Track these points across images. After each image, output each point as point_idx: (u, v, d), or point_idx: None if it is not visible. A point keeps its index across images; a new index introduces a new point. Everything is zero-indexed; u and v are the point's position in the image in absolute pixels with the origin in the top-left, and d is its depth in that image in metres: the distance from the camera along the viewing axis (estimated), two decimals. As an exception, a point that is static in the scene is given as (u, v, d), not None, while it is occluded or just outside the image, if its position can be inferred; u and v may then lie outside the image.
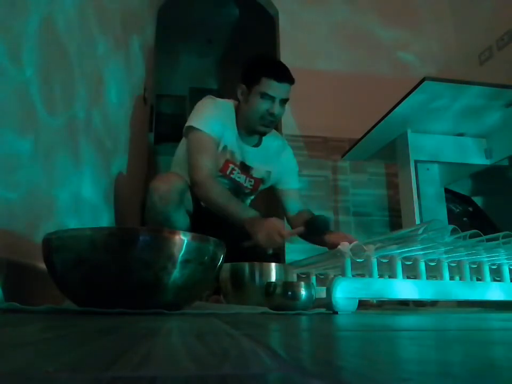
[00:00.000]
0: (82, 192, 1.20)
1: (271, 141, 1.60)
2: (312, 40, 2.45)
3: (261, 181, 1.60)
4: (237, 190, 1.56)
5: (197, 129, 1.42)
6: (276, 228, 1.25)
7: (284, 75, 1.43)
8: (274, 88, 1.42)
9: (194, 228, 1.38)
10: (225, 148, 1.49)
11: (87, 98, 1.23)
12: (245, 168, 1.55)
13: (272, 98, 1.42)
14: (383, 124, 1.58)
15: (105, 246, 0.67)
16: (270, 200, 1.92)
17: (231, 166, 1.50)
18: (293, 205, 1.62)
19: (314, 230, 1.29)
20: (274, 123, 1.49)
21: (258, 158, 1.55)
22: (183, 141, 1.53)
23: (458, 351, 0.29)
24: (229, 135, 1.49)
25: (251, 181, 1.58)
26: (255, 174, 1.57)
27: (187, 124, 1.45)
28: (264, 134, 1.52)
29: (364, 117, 1.80)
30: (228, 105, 1.53)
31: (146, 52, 2.19)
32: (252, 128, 1.49)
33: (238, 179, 1.54)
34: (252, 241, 1.27)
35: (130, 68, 1.82)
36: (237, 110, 1.51)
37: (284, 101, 1.45)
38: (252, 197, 1.67)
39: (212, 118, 1.45)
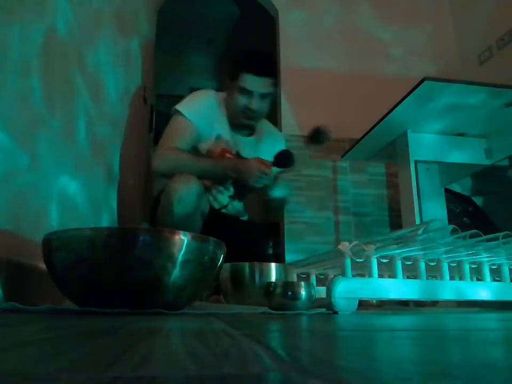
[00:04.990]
0: (83, 193, 1.20)
1: (263, 130, 1.59)
2: (312, 40, 2.45)
3: None
4: (226, 192, 1.56)
5: (179, 112, 1.42)
6: (259, 163, 1.32)
7: (261, 68, 1.40)
8: (252, 82, 1.39)
9: (204, 229, 1.36)
10: (218, 137, 1.48)
11: (87, 98, 1.23)
12: (241, 158, 1.53)
13: (250, 93, 1.40)
14: (383, 124, 1.58)
15: (105, 246, 0.67)
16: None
17: (228, 155, 1.50)
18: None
19: (281, 164, 1.40)
20: (258, 116, 1.48)
21: (252, 148, 1.54)
22: None
23: (458, 351, 0.29)
24: (221, 125, 1.49)
25: None
26: None
27: (175, 106, 1.45)
28: (249, 126, 1.51)
29: (363, 117, 1.79)
30: (219, 96, 1.53)
31: (146, 51, 2.18)
32: (237, 121, 1.49)
33: None
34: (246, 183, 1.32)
35: (130, 67, 1.82)
36: (226, 103, 1.52)
37: (264, 95, 1.42)
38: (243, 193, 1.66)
39: (198, 106, 1.45)
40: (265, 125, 1.62)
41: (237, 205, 1.61)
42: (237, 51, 1.53)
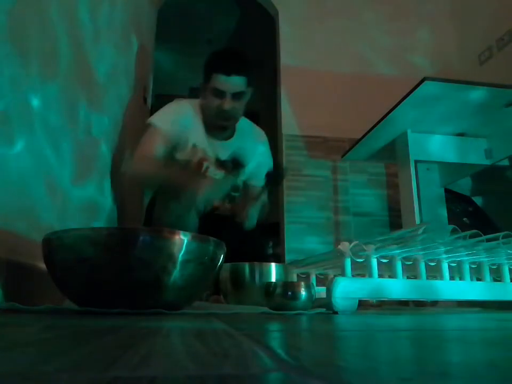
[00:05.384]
0: (82, 193, 1.20)
1: (245, 131, 1.56)
2: (312, 40, 2.45)
3: None
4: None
5: (151, 124, 1.42)
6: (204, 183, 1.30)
7: (231, 68, 1.37)
8: (223, 82, 1.37)
9: (201, 227, 1.38)
10: (195, 146, 1.47)
11: (86, 100, 1.23)
12: (221, 164, 1.52)
13: (222, 93, 1.39)
14: (383, 124, 1.58)
15: (105, 246, 0.67)
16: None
17: (205, 164, 1.49)
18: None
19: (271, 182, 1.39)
20: (232, 117, 1.45)
21: (232, 150, 1.51)
22: None
23: (458, 351, 0.29)
24: (196, 134, 1.48)
25: None
26: None
27: (147, 120, 1.45)
28: (226, 128, 1.49)
29: (364, 117, 1.79)
30: (192, 104, 1.51)
31: (146, 51, 2.18)
32: (213, 123, 1.47)
33: (215, 176, 1.52)
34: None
35: (130, 67, 1.82)
36: (202, 106, 1.51)
37: (237, 95, 1.40)
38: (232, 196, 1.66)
39: (170, 116, 1.44)
40: (245, 125, 1.59)
41: (228, 207, 1.62)
42: (211, 52, 1.48)
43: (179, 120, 1.45)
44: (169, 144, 1.43)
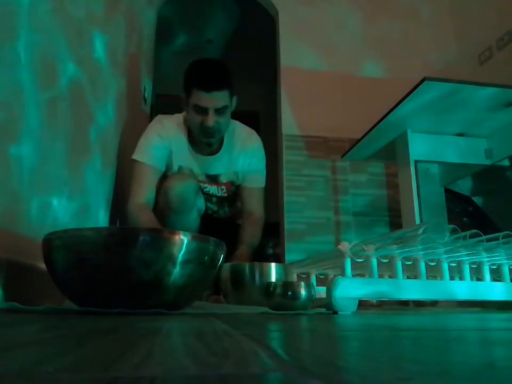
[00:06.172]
0: (82, 193, 1.20)
1: (232, 139, 1.52)
2: (312, 41, 2.45)
3: (231, 184, 1.57)
4: (213, 201, 1.55)
5: (137, 161, 1.42)
6: None
7: (211, 83, 1.32)
8: (205, 99, 1.32)
9: (203, 227, 1.39)
10: (180, 168, 1.45)
11: (85, 102, 1.23)
12: (212, 179, 1.52)
13: (205, 110, 1.34)
14: (383, 124, 1.58)
15: (105, 246, 0.67)
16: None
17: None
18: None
19: None
20: (216, 132, 1.40)
21: (222, 162, 1.50)
22: None
23: (458, 351, 0.29)
24: (181, 153, 1.45)
25: (223, 188, 1.55)
26: (224, 179, 1.54)
27: (132, 156, 1.44)
28: (210, 144, 1.44)
29: (363, 117, 1.79)
30: (175, 121, 1.48)
31: (146, 51, 2.18)
32: (198, 140, 1.44)
33: (208, 192, 1.52)
34: None
35: (130, 67, 1.82)
36: (187, 121, 1.47)
37: (221, 109, 1.35)
38: (231, 199, 1.65)
39: (151, 147, 1.42)
40: (234, 131, 1.54)
41: (228, 210, 1.62)
42: (189, 65, 1.41)
43: (160, 147, 1.43)
44: (160, 171, 1.44)
